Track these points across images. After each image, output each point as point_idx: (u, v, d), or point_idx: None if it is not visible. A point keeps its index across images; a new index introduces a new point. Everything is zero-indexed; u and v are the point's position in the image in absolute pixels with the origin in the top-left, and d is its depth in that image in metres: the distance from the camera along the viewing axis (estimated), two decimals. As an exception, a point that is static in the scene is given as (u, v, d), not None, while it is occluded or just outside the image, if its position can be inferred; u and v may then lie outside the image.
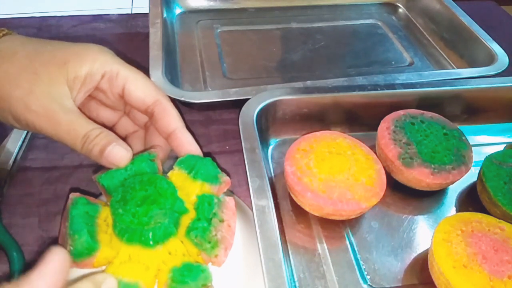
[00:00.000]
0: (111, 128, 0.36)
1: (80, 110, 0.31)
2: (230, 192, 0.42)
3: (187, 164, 0.33)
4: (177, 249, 0.29)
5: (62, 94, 0.29)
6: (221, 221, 0.30)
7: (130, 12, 0.71)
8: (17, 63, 0.29)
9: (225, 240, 0.29)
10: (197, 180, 0.32)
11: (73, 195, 0.31)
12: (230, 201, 0.32)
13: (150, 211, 0.29)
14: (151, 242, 0.28)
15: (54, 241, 0.37)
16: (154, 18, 0.58)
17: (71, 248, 0.28)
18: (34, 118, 0.28)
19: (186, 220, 0.31)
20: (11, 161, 0.42)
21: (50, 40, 0.32)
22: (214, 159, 0.45)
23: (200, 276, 0.28)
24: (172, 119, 0.32)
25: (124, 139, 0.35)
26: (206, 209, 0.31)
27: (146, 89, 0.32)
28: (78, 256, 0.27)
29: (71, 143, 0.29)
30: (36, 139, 0.46)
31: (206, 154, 0.45)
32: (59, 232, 0.30)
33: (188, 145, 0.33)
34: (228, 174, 0.35)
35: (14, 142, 0.44)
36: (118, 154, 0.29)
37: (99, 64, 0.31)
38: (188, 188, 0.32)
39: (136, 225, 0.28)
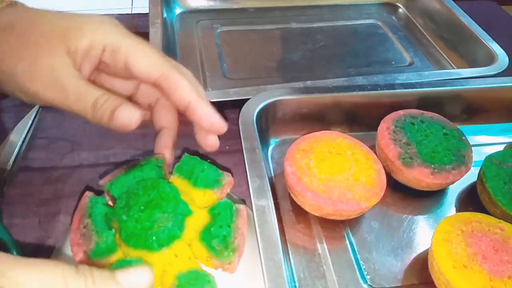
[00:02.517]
0: (130, 99, 0.34)
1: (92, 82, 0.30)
2: (240, 200, 0.42)
3: (185, 171, 0.33)
4: (183, 252, 0.29)
5: (65, 64, 0.28)
6: (238, 228, 0.30)
7: (130, 12, 0.71)
8: (17, 35, 0.29)
9: (239, 248, 0.30)
10: (199, 188, 0.32)
11: (89, 193, 0.31)
12: (243, 209, 0.32)
13: (152, 216, 0.29)
14: (155, 246, 0.29)
15: (55, 241, 0.37)
16: (154, 18, 0.58)
17: (95, 245, 0.28)
18: (40, 89, 0.28)
19: (192, 223, 0.31)
20: (11, 161, 0.42)
21: (48, 10, 0.31)
22: (213, 160, 0.45)
23: (206, 286, 0.28)
24: (183, 93, 0.30)
25: (148, 109, 0.34)
26: (228, 216, 0.31)
27: (149, 62, 0.30)
28: (99, 255, 0.28)
29: (82, 111, 0.28)
30: (36, 139, 0.46)
31: (205, 154, 0.45)
32: (73, 226, 0.30)
33: (206, 117, 0.30)
34: (228, 172, 0.35)
35: (14, 142, 0.44)
36: (127, 115, 0.28)
37: (100, 36, 0.29)
38: (192, 194, 0.32)
39: (140, 230, 0.28)
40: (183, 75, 0.30)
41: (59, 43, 0.28)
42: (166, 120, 0.34)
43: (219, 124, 0.31)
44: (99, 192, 0.33)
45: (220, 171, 0.34)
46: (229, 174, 0.34)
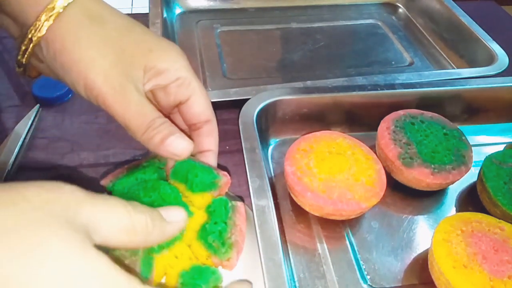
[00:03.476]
0: None
1: None
2: (237, 197, 0.42)
3: (180, 176, 0.33)
4: (183, 253, 0.29)
5: (138, 77, 0.29)
6: (235, 225, 0.30)
7: (130, 12, 0.71)
8: (107, 32, 0.29)
9: (238, 244, 0.30)
10: (196, 193, 0.32)
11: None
12: (241, 206, 0.32)
13: None
14: (156, 248, 0.28)
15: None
16: (154, 18, 0.58)
17: None
18: (108, 92, 0.28)
19: (191, 224, 0.31)
20: (11, 161, 0.42)
21: (135, 21, 0.31)
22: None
23: (211, 278, 0.28)
24: (213, 141, 0.33)
25: None
26: (223, 213, 0.31)
27: (206, 106, 0.32)
28: None
29: (135, 126, 0.28)
30: (36, 139, 0.46)
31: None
32: None
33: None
34: (227, 172, 0.34)
35: (14, 142, 0.44)
36: (180, 145, 0.28)
37: (178, 67, 0.31)
38: (190, 197, 0.32)
39: None
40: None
41: (141, 57, 0.29)
42: None
43: None
44: (100, 193, 0.33)
45: (215, 172, 0.34)
46: (226, 174, 0.34)
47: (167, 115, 0.35)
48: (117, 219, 0.22)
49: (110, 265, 0.21)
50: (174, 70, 0.31)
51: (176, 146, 0.28)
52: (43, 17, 0.27)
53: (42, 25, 0.27)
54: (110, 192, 0.32)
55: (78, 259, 0.20)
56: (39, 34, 0.28)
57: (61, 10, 0.28)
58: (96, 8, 0.30)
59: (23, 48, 0.29)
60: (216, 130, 0.33)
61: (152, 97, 0.33)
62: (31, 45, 0.28)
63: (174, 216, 0.26)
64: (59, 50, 0.28)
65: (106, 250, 0.27)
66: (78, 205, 0.22)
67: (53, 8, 0.27)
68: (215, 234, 0.29)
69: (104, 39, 0.29)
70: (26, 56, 0.29)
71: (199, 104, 0.32)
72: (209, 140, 0.33)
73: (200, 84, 0.32)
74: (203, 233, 0.30)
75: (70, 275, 0.19)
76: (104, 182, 0.33)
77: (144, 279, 0.26)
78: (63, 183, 0.23)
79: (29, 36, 0.28)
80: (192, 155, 0.35)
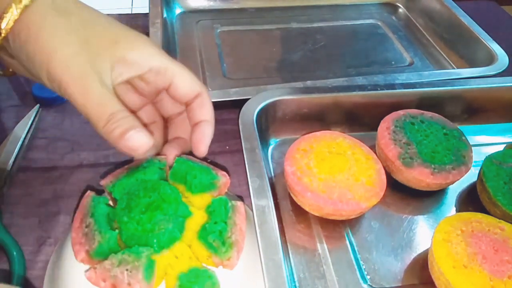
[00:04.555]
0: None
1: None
2: (237, 197, 0.42)
3: (179, 177, 0.33)
4: (183, 253, 0.29)
5: (103, 69, 0.29)
6: (235, 224, 0.30)
7: (130, 12, 0.70)
8: (71, 24, 0.29)
9: (238, 243, 0.30)
10: (195, 194, 0.32)
11: (91, 193, 0.31)
12: (241, 205, 0.32)
13: (153, 218, 0.29)
14: (156, 248, 0.29)
15: (55, 241, 0.37)
16: (154, 18, 0.58)
17: (98, 244, 0.28)
18: (69, 82, 0.28)
19: (191, 224, 0.31)
20: (11, 161, 0.42)
21: (102, 13, 0.31)
22: (213, 160, 0.45)
23: (208, 282, 0.28)
24: (206, 111, 0.33)
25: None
26: (223, 212, 0.31)
27: (191, 83, 0.32)
28: (102, 255, 0.28)
29: (95, 118, 0.28)
30: (36, 139, 0.46)
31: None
32: (75, 225, 0.30)
33: (200, 142, 0.33)
34: (227, 172, 0.34)
35: (14, 142, 0.44)
36: (139, 140, 0.28)
37: (147, 56, 0.31)
38: (190, 198, 0.32)
39: (140, 232, 0.28)
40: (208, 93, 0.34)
41: (106, 48, 0.29)
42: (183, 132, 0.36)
43: (202, 150, 0.33)
44: (100, 192, 0.33)
45: (214, 172, 0.34)
46: (225, 174, 0.34)
47: (154, 102, 0.35)
48: None
49: None
50: (144, 60, 0.30)
51: (136, 141, 0.28)
52: (10, 10, 0.28)
53: (10, 18, 0.28)
54: (110, 193, 0.32)
55: None
56: (8, 26, 0.28)
57: (28, 3, 0.28)
58: (62, 0, 0.30)
59: None
60: (209, 101, 0.33)
61: (131, 89, 0.32)
62: (0, 37, 0.28)
63: None
64: (24, 41, 0.28)
65: (106, 254, 0.28)
66: None
67: (21, 1, 0.28)
68: (215, 233, 0.29)
69: (68, 30, 0.29)
70: None
71: (183, 85, 0.32)
72: (201, 111, 0.33)
73: (179, 65, 0.32)
74: (203, 233, 0.30)
75: None
76: (104, 182, 0.33)
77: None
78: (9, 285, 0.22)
79: None
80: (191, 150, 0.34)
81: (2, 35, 0.28)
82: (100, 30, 0.30)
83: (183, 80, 0.32)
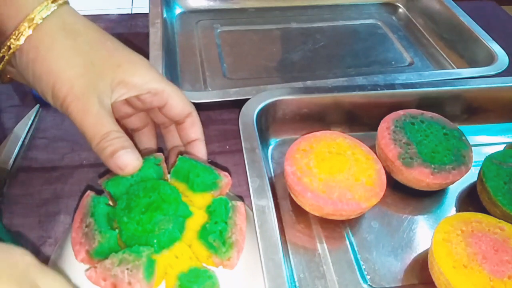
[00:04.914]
0: (122, 121, 0.37)
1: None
2: (237, 197, 0.42)
3: (181, 175, 0.33)
4: (184, 253, 0.29)
5: (104, 90, 0.31)
6: (235, 225, 0.30)
7: (130, 12, 0.70)
8: (78, 45, 0.31)
9: (238, 243, 0.30)
10: (197, 193, 0.32)
11: (91, 193, 0.31)
12: (241, 206, 0.32)
13: (153, 218, 0.29)
14: (156, 248, 0.29)
15: (55, 241, 0.37)
16: (154, 18, 0.58)
17: (99, 244, 0.28)
18: (71, 101, 0.29)
19: (191, 224, 0.31)
20: (11, 161, 0.42)
21: (108, 35, 0.33)
22: (213, 160, 0.45)
23: (207, 283, 0.28)
24: (197, 130, 0.36)
25: (134, 132, 0.37)
26: (224, 212, 0.31)
27: (184, 104, 0.34)
28: (102, 255, 0.28)
29: (90, 136, 0.30)
30: (36, 139, 0.46)
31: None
32: (75, 225, 0.30)
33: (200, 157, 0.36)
34: (228, 172, 0.35)
35: (14, 142, 0.44)
36: (127, 160, 0.30)
37: (148, 80, 0.33)
38: (191, 197, 0.32)
39: (140, 233, 0.28)
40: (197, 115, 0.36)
41: (109, 71, 0.31)
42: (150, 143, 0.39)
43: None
44: (99, 192, 0.33)
45: (217, 172, 0.34)
46: (227, 175, 0.34)
47: (146, 112, 0.37)
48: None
49: None
50: (144, 83, 0.32)
51: (123, 160, 0.29)
52: (22, 28, 0.29)
53: (21, 35, 0.29)
54: (109, 193, 0.32)
55: None
56: (18, 43, 0.29)
57: (39, 22, 0.29)
58: (72, 20, 0.31)
59: (0, 55, 0.30)
60: (198, 120, 0.36)
61: (127, 105, 0.34)
62: (9, 52, 0.30)
63: None
64: (32, 60, 0.29)
65: (106, 254, 0.28)
66: (27, 268, 0.23)
67: (33, 19, 0.29)
68: (215, 233, 0.29)
69: (75, 51, 0.30)
70: (2, 63, 0.30)
71: (176, 106, 0.34)
72: (193, 131, 0.36)
73: (174, 87, 0.34)
74: (204, 233, 0.30)
75: None
76: (100, 181, 0.33)
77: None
78: (15, 246, 0.24)
79: (8, 44, 0.29)
80: (187, 154, 0.35)
81: (12, 50, 0.29)
82: (105, 53, 0.32)
83: (177, 102, 0.34)
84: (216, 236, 0.29)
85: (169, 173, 0.34)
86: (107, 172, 0.32)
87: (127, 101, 0.34)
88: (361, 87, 0.48)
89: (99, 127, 0.29)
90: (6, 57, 0.30)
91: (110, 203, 0.32)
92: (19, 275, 0.22)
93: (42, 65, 0.29)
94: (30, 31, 0.29)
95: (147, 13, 0.59)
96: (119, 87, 0.31)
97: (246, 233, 0.31)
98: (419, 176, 0.40)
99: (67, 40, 0.30)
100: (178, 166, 0.33)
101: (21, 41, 0.29)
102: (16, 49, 0.29)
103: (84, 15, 0.33)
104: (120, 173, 0.30)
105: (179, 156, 0.34)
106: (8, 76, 0.33)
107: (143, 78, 0.32)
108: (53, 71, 0.29)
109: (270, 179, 0.41)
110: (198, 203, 0.32)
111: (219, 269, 0.29)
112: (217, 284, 0.28)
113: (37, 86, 0.30)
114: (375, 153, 0.42)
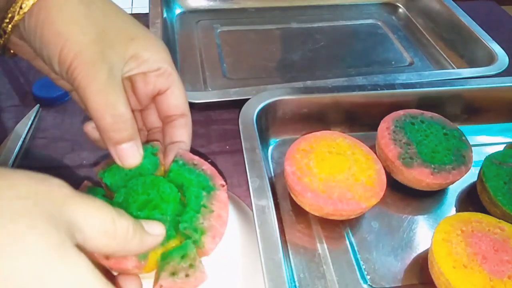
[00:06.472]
0: None
1: None
2: (237, 197, 0.42)
3: (176, 183, 0.33)
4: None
5: (116, 62, 0.29)
6: (211, 211, 0.30)
7: (130, 12, 0.71)
8: (92, 12, 0.29)
9: (213, 228, 0.29)
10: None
11: (88, 183, 0.31)
12: (221, 193, 0.31)
13: (151, 217, 0.29)
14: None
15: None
16: (154, 18, 0.58)
17: None
18: (79, 65, 0.27)
19: None
20: (11, 161, 0.42)
21: (122, 9, 0.32)
22: (213, 160, 0.45)
23: (181, 247, 0.28)
24: (185, 133, 0.33)
25: None
26: (193, 201, 0.30)
27: (182, 100, 0.33)
28: None
29: (94, 106, 0.28)
30: (36, 139, 0.46)
31: (206, 154, 0.45)
32: None
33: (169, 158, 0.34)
34: (227, 171, 0.34)
35: (14, 142, 0.44)
36: (129, 154, 0.29)
37: (160, 58, 0.31)
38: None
39: None
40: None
41: (122, 43, 0.29)
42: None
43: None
44: (97, 184, 0.33)
45: (210, 181, 0.32)
46: (223, 184, 0.32)
47: (143, 110, 0.35)
48: (100, 221, 0.22)
49: (89, 269, 0.20)
50: (155, 60, 0.31)
51: (125, 154, 0.29)
52: None
53: None
54: (106, 184, 0.32)
55: (55, 259, 0.19)
56: (29, 2, 0.28)
57: None
58: None
59: (10, 15, 0.28)
60: (190, 125, 0.34)
61: (130, 86, 0.32)
62: (21, 12, 0.28)
63: (154, 229, 0.26)
64: (42, 21, 0.28)
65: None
66: (64, 201, 0.21)
67: None
68: (186, 222, 0.29)
69: (88, 18, 0.29)
70: (12, 23, 0.29)
71: (176, 96, 0.32)
72: (182, 132, 0.33)
73: (180, 78, 0.33)
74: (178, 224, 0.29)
75: (44, 277, 0.18)
76: (96, 170, 0.32)
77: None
78: (52, 177, 0.22)
79: (20, 3, 0.28)
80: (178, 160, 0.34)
81: (23, 10, 0.28)
82: (119, 24, 0.30)
83: (178, 92, 0.32)
84: (187, 223, 0.29)
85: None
86: (104, 161, 0.32)
87: (131, 80, 0.32)
88: (361, 87, 0.48)
89: (104, 96, 0.27)
90: (17, 17, 0.28)
91: (107, 194, 0.32)
92: (55, 214, 0.20)
93: (51, 27, 0.28)
94: None
95: (147, 13, 0.59)
96: (131, 60, 0.30)
97: (246, 233, 0.31)
98: (419, 176, 0.40)
99: (80, 5, 0.29)
100: (172, 171, 0.33)
101: (32, 1, 0.27)
102: (28, 8, 0.28)
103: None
104: (117, 163, 0.29)
105: (176, 159, 0.33)
106: (12, 51, 0.32)
107: (156, 55, 0.31)
108: (62, 33, 0.27)
109: (270, 179, 0.41)
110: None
111: (219, 269, 0.29)
112: (193, 249, 0.28)
113: (44, 51, 0.29)
114: (375, 153, 0.42)
